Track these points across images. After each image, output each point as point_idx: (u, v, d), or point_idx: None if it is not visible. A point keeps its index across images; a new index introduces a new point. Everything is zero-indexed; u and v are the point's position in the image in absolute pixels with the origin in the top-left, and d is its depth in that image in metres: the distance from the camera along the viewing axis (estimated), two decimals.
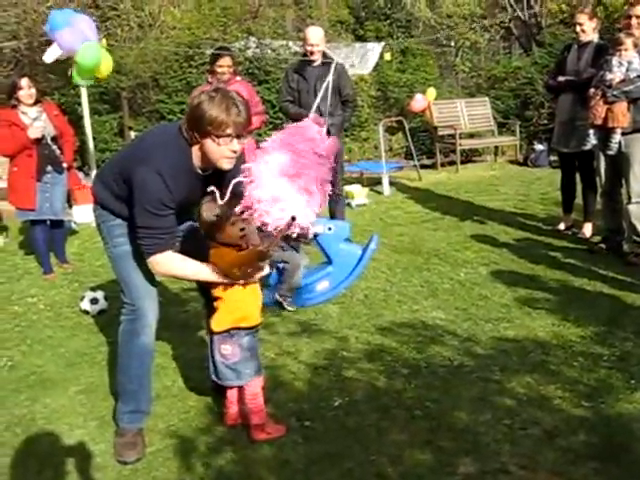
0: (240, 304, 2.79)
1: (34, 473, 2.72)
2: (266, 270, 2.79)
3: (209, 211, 2.68)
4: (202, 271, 2.72)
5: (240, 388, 2.92)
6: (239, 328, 2.81)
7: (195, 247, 2.77)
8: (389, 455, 2.68)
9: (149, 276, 2.85)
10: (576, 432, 2.77)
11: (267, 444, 2.80)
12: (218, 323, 2.82)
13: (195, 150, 2.64)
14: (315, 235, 4.33)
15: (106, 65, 6.98)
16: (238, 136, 2.57)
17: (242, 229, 2.68)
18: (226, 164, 2.63)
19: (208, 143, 2.57)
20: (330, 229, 4.48)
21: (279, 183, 2.54)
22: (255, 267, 2.69)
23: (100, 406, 3.27)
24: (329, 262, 4.59)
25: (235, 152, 2.60)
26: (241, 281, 2.72)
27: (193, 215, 2.84)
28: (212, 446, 2.84)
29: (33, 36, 10.14)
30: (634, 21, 5.04)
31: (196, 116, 2.54)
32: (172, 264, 2.68)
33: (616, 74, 4.76)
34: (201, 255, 2.72)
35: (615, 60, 4.81)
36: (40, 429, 3.09)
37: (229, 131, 2.53)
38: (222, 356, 2.84)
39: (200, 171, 2.70)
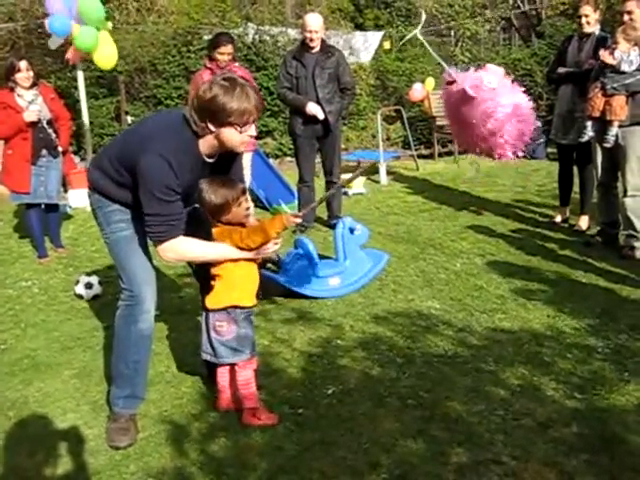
0: (238, 283, 2.83)
1: (26, 456, 2.72)
2: (277, 245, 2.83)
3: (214, 194, 2.72)
4: (216, 250, 2.75)
5: (232, 372, 2.92)
6: (236, 307, 2.83)
7: (196, 228, 2.79)
8: (382, 444, 2.68)
9: (147, 262, 2.86)
10: (569, 424, 2.78)
11: (260, 431, 2.80)
12: (215, 301, 2.84)
13: (206, 140, 2.63)
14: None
15: (111, 53, 7.03)
16: (253, 120, 2.64)
17: (247, 208, 2.78)
18: (243, 148, 2.72)
19: (229, 132, 2.58)
20: (358, 230, 4.56)
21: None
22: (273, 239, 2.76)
23: (93, 390, 3.27)
24: (341, 259, 4.57)
25: (252, 136, 2.69)
26: (256, 254, 2.78)
27: (196, 200, 2.84)
28: (205, 432, 2.84)
29: (30, 18, 10.06)
30: (625, 17, 5.04)
31: (213, 109, 2.52)
32: (185, 247, 2.69)
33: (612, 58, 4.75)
34: (203, 235, 2.76)
35: (617, 53, 4.79)
36: (33, 412, 3.08)
37: (252, 118, 2.59)
38: (217, 333, 2.85)
39: (206, 158, 2.70)
